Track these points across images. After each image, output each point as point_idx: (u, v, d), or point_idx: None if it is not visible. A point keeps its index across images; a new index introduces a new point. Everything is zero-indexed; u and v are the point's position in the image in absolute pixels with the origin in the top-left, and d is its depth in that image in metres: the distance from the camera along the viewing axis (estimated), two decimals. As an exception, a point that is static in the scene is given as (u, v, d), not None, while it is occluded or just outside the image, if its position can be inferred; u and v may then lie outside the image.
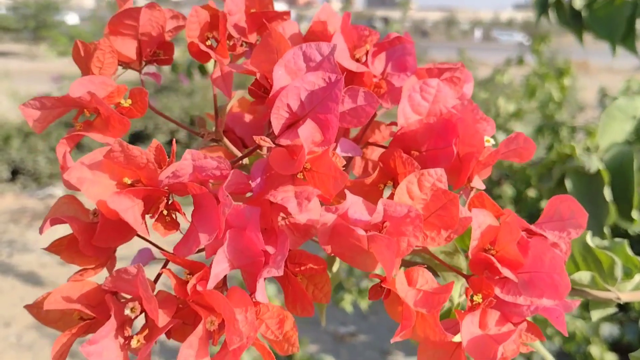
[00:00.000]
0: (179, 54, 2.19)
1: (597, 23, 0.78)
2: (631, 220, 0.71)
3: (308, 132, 0.32)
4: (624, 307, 1.56)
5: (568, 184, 0.75)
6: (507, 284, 0.32)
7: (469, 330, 0.30)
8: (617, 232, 1.53)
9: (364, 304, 1.83)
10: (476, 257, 0.32)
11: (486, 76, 2.69)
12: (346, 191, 0.33)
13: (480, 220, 0.33)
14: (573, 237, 0.34)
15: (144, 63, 0.41)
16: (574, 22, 0.83)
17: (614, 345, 1.51)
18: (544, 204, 1.70)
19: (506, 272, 0.31)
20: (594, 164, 0.72)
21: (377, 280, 0.34)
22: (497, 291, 0.31)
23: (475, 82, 2.76)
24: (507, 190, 1.90)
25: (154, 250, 0.36)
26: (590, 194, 0.72)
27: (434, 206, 0.32)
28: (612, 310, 0.52)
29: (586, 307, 0.53)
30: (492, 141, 0.37)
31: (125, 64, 0.40)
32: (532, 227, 0.35)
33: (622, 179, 0.71)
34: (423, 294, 0.31)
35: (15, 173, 3.78)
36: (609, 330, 1.49)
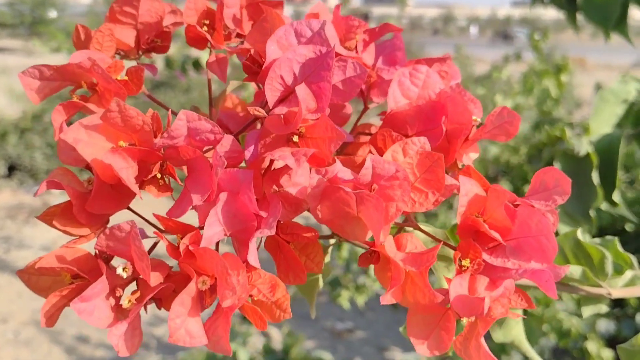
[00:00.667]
0: (174, 50, 2.20)
1: (591, 6, 0.78)
2: (614, 203, 0.72)
3: (304, 92, 0.33)
4: (620, 303, 1.57)
5: (557, 165, 0.75)
6: (495, 251, 0.32)
7: (456, 290, 0.30)
8: (614, 229, 1.53)
9: (361, 300, 1.84)
10: (465, 222, 0.33)
11: (483, 72, 2.71)
12: (335, 158, 0.34)
13: (468, 188, 0.33)
14: (559, 203, 0.34)
15: (140, 53, 0.41)
16: (568, 4, 0.83)
17: (611, 341, 1.51)
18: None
19: (494, 234, 0.31)
20: (584, 146, 0.73)
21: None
22: (486, 256, 0.32)
23: (472, 79, 2.77)
24: (505, 186, 1.91)
25: (145, 229, 0.36)
26: (578, 176, 0.72)
27: (420, 170, 0.33)
28: (604, 308, 0.52)
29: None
30: (479, 120, 0.37)
31: (123, 52, 0.41)
32: (519, 199, 0.35)
33: (608, 162, 0.71)
34: (412, 254, 0.31)
35: (12, 169, 3.78)
36: (606, 326, 1.50)
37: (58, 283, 0.34)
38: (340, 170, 0.32)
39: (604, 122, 0.81)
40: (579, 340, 1.46)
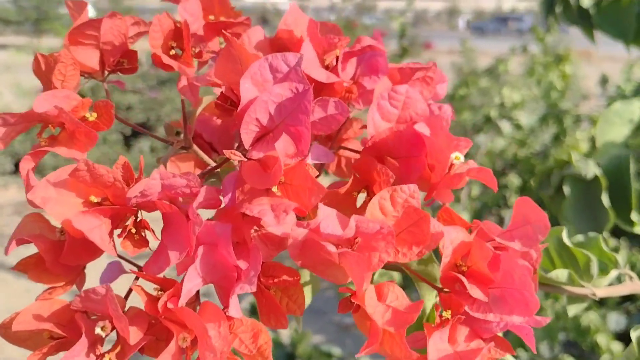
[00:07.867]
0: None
1: (606, 22, 0.77)
2: (630, 223, 0.71)
3: (283, 145, 0.32)
4: (630, 297, 1.55)
5: (566, 190, 0.74)
6: (478, 299, 0.32)
7: (435, 346, 0.30)
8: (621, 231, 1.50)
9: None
10: (447, 274, 0.32)
11: (487, 65, 2.67)
12: (319, 203, 0.33)
13: (453, 236, 0.32)
14: (541, 240, 0.34)
15: (107, 73, 0.40)
16: (582, 21, 0.82)
17: (621, 335, 1.51)
18: (547, 194, 1.69)
19: (475, 292, 0.30)
20: (591, 169, 0.71)
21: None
22: (467, 308, 0.31)
23: (476, 72, 2.72)
24: (513, 180, 1.88)
25: (125, 262, 0.36)
26: (589, 199, 0.72)
27: (405, 223, 0.32)
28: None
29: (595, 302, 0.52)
30: (462, 157, 0.36)
31: (88, 74, 0.40)
32: (498, 239, 0.34)
33: (619, 183, 0.70)
34: (392, 311, 0.31)
35: (18, 166, 3.77)
36: (616, 319, 1.49)
37: (36, 334, 0.34)
38: (324, 218, 0.31)
39: (610, 142, 0.80)
40: (593, 335, 1.46)
